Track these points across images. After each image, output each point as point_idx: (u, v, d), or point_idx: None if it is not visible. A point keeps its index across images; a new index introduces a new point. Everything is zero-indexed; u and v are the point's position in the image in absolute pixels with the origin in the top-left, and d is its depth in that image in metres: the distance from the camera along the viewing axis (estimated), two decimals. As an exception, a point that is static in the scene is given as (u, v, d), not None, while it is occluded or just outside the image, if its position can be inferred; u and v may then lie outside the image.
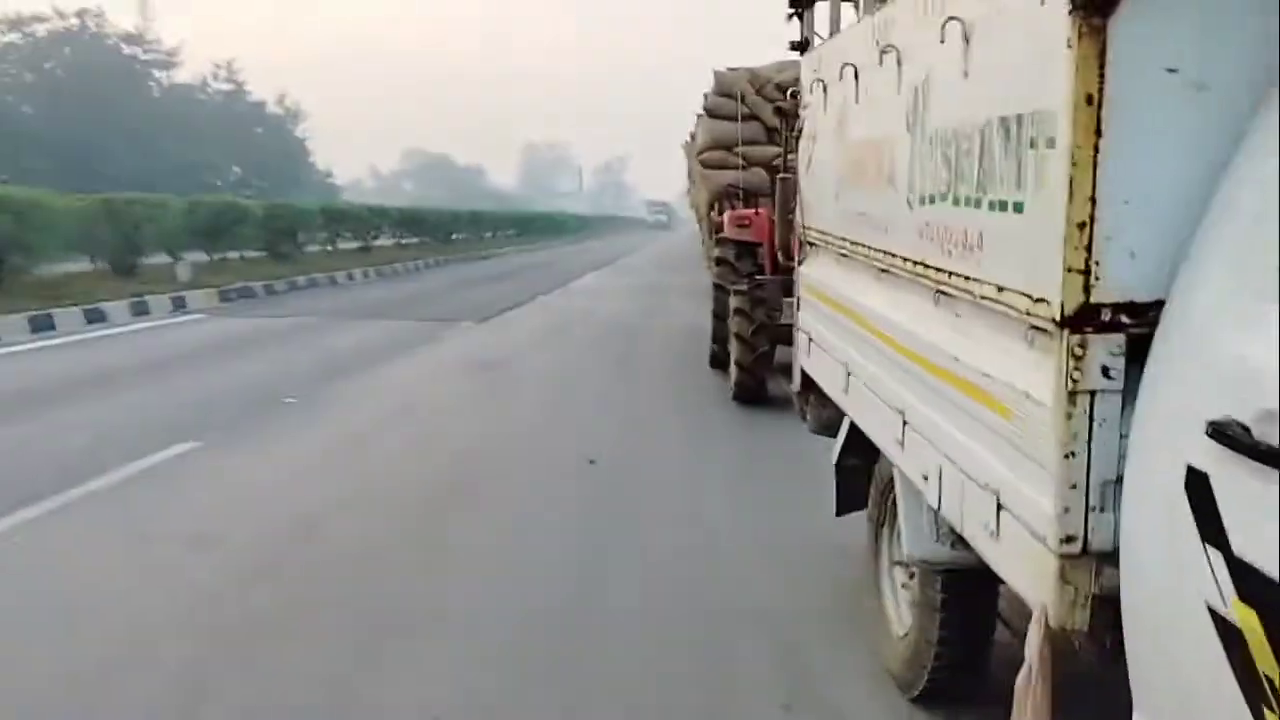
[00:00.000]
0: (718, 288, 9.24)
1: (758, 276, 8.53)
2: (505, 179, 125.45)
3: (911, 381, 2.71)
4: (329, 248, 24.82)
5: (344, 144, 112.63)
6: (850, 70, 3.32)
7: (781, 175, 9.94)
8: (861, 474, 3.59)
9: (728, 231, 9.34)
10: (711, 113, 11.40)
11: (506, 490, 5.53)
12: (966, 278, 2.30)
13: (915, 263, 2.65)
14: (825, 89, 3.85)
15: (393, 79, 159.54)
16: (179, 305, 14.58)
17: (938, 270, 2.48)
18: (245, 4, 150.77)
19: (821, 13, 4.58)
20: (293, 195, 39.90)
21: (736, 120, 11.20)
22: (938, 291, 2.51)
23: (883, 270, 3.07)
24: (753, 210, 9.56)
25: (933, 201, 2.49)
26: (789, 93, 11.22)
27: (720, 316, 9.23)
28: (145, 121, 43.94)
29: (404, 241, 30.78)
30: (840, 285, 3.59)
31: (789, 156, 11.15)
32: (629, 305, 16.44)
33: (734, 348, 8.08)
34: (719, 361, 9.48)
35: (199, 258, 18.67)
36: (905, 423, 2.75)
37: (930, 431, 2.54)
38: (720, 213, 11.01)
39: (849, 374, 3.43)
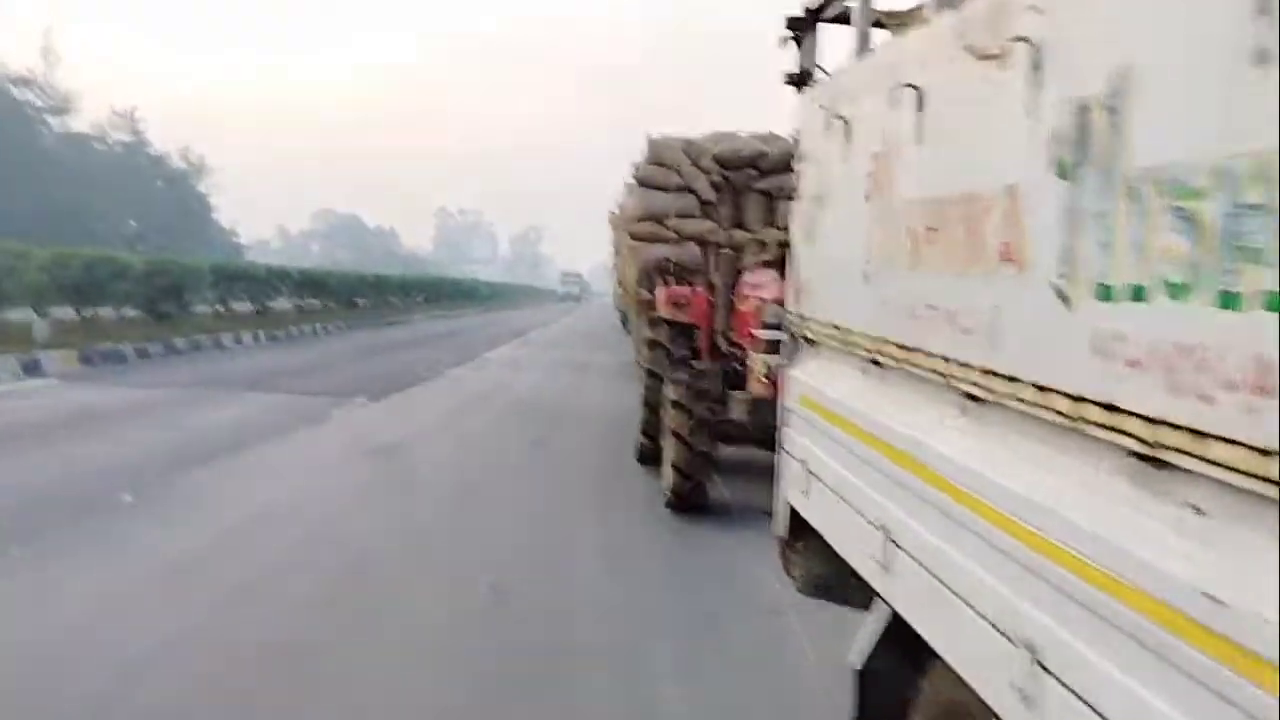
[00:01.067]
0: (650, 374, 8.12)
1: (696, 363, 7.45)
2: (420, 243, 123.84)
3: (1052, 597, 1.57)
4: (220, 309, 23.00)
5: (252, 203, 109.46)
6: (909, 95, 2.24)
7: (723, 250, 8.97)
8: (903, 686, 2.42)
9: (662, 311, 8.27)
10: (643, 182, 10.42)
11: (374, 653, 4.19)
12: (1233, 443, 1.18)
13: (1075, 399, 1.53)
14: (847, 129, 2.77)
15: (306, 139, 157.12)
16: (30, 369, 12.77)
17: (1149, 422, 1.35)
18: (158, 58, 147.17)
19: (818, 37, 3.51)
20: (192, 252, 37.77)
21: (669, 191, 10.26)
22: (1137, 457, 1.39)
23: (971, 398, 1.95)
24: (690, 288, 8.53)
25: (1140, 298, 1.38)
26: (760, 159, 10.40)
27: (652, 406, 8.09)
28: (33, 169, 41.31)
29: (305, 305, 29.04)
30: (875, 408, 2.46)
31: (732, 231, 10.25)
32: (545, 384, 15.21)
33: (669, 446, 6.91)
34: (649, 456, 8.32)
35: (69, 314, 16.81)
36: (1038, 661, 1.61)
37: (1093, 684, 1.41)
38: (651, 289, 9.97)
39: (891, 543, 2.28)
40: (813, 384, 3.08)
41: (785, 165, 10.54)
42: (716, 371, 7.30)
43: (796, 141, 3.50)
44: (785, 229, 10.44)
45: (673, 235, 10.18)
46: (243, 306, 25.02)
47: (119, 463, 7.52)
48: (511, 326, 32.32)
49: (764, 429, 5.84)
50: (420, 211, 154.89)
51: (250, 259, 52.10)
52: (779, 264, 8.57)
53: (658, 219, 10.29)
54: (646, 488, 7.60)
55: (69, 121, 47.01)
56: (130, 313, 19.33)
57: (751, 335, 6.71)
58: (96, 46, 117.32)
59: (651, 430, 8.16)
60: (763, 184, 10.45)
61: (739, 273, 7.94)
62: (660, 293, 8.45)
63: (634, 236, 10.29)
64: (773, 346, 6.27)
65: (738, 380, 7.23)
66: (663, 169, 10.39)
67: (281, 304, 28.11)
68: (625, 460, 8.56)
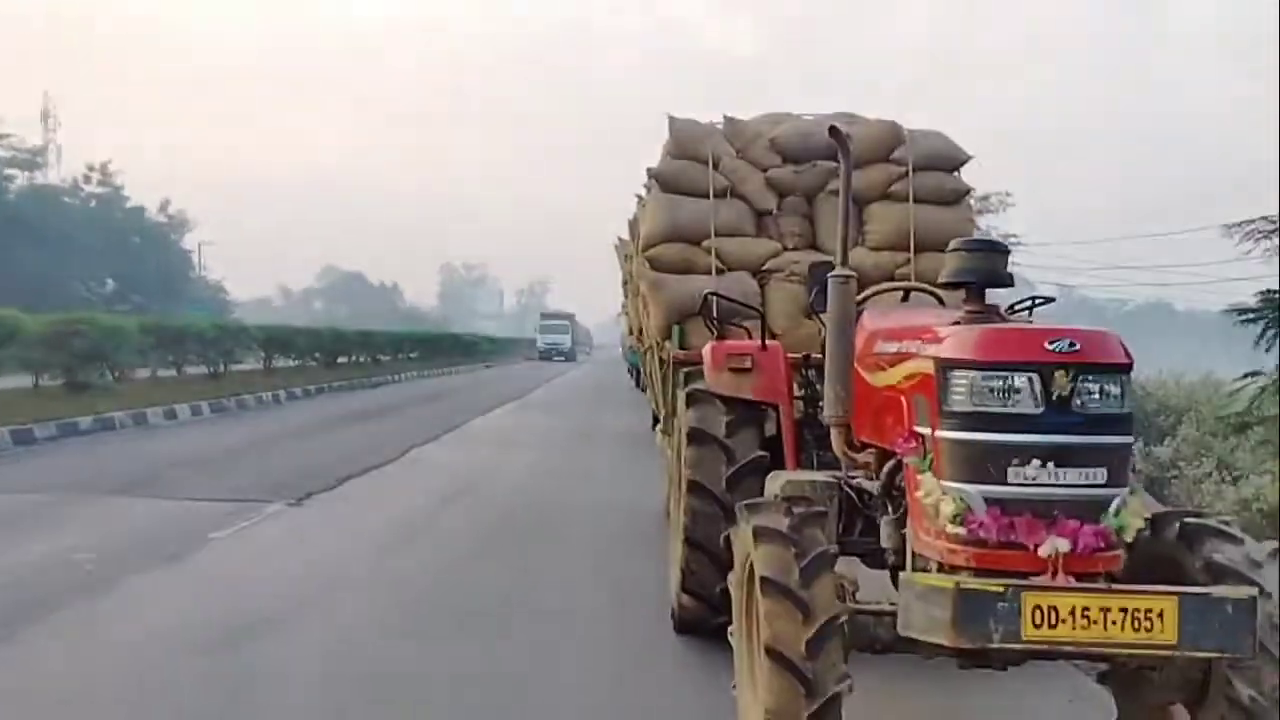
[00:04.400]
0: (696, 489, 4.69)
1: (784, 480, 4.02)
2: (425, 299, 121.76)
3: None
4: (163, 373, 19.76)
5: (254, 261, 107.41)
6: None
7: (820, 266, 5.37)
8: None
9: (711, 379, 4.90)
10: (667, 184, 7.06)
11: None
12: None
13: None
14: None
15: (309, 195, 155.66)
16: None
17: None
18: (156, 116, 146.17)
19: None
20: (174, 311, 34.71)
21: (708, 196, 6.96)
22: None
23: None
24: (754, 341, 5.18)
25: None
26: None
27: (701, 546, 4.66)
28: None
29: (275, 365, 25.78)
30: None
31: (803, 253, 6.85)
32: (541, 466, 11.76)
33: (752, 663, 3.40)
34: (691, 624, 4.90)
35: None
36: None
37: None
38: (684, 342, 6.63)
39: None
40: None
41: (878, 153, 7.26)
42: (832, 496, 3.89)
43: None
44: (885, 249, 7.08)
45: (714, 261, 6.86)
46: (196, 369, 21.81)
47: None
48: (510, 385, 28.94)
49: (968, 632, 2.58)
50: (425, 267, 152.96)
51: (238, 317, 49.25)
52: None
53: (689, 238, 6.96)
54: (695, 689, 4.17)
55: (36, 176, 44.30)
56: (31, 381, 16.08)
57: (913, 433, 3.27)
58: (98, 114, 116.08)
59: (701, 588, 4.71)
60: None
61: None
62: (708, 350, 5.05)
63: (655, 264, 6.92)
64: (975, 454, 2.93)
65: (866, 519, 3.84)
66: (695, 164, 7.05)
67: (248, 365, 24.94)
68: (657, 630, 5.11)
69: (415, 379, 31.84)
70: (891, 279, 6.81)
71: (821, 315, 4.42)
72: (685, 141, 7.10)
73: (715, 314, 5.76)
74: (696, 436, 4.73)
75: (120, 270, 47.92)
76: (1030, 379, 2.87)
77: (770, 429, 4.84)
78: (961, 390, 2.95)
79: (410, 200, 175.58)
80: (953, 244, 3.42)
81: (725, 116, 7.32)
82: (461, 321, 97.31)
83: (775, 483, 4.01)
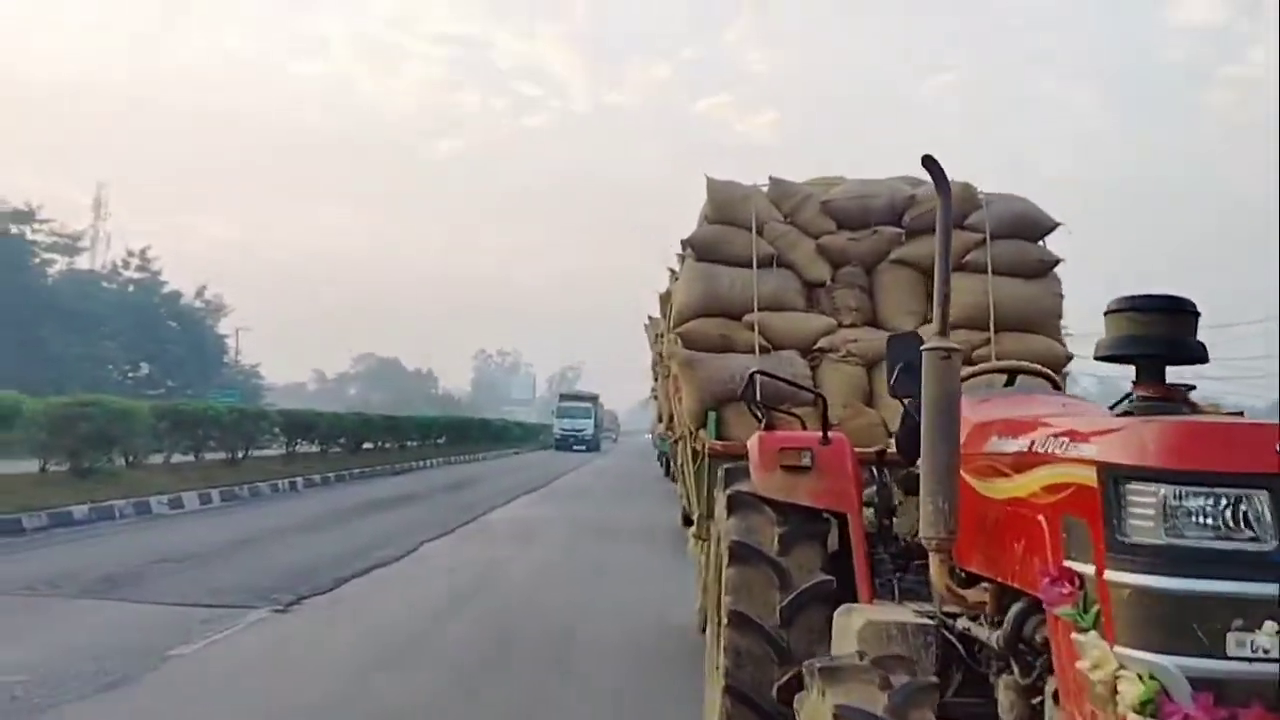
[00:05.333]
0: (740, 622, 3.69)
1: (890, 657, 2.96)
2: (459, 385, 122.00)
3: None
4: (178, 459, 19.03)
5: (289, 347, 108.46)
6: None
7: (902, 339, 3.85)
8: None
9: (759, 481, 3.93)
10: (704, 250, 6.24)
11: None
12: None
13: None
14: None
15: (347, 284, 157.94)
16: None
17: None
18: (193, 205, 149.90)
19: None
20: (205, 396, 34.34)
21: (751, 265, 6.11)
22: None
23: None
24: (812, 432, 4.22)
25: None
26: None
27: (747, 699, 3.63)
28: (33, 312, 38.49)
29: (298, 451, 25.03)
30: None
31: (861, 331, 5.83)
32: (561, 565, 10.74)
33: None
34: None
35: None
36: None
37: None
38: (722, 433, 5.73)
39: None
40: None
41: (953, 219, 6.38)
42: (928, 644, 2.89)
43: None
44: (961, 326, 5.98)
45: (756, 339, 5.98)
46: (214, 455, 21.09)
47: None
48: (536, 472, 27.97)
49: None
50: (460, 354, 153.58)
51: (270, 401, 49.01)
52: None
53: (729, 312, 6.09)
54: None
55: (75, 261, 44.77)
56: (57, 467, 15.37)
57: (1064, 570, 2.26)
58: (137, 200, 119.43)
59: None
60: (908, 251, 6.24)
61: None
62: (755, 443, 4.09)
63: (689, 341, 6.04)
64: (1175, 611, 1.93)
65: (970, 672, 2.84)
66: (736, 230, 6.22)
67: (271, 451, 24.23)
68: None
69: (440, 465, 30.97)
70: (968, 361, 5.88)
71: (906, 400, 3.48)
72: (724, 204, 6.28)
73: (760, 397, 4.80)
74: (741, 553, 3.74)
75: (154, 355, 47.99)
76: (1260, 500, 1.91)
77: (833, 543, 3.87)
78: (1147, 512, 1.97)
79: (445, 287, 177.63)
80: (1114, 303, 2.49)
81: (770, 178, 6.50)
82: (494, 408, 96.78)
83: (850, 623, 3.01)
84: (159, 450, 18.86)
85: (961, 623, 2.86)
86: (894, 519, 3.89)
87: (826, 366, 5.92)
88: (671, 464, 24.65)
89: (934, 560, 2.72)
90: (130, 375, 47.30)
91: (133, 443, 16.74)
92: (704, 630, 6.48)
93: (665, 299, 7.41)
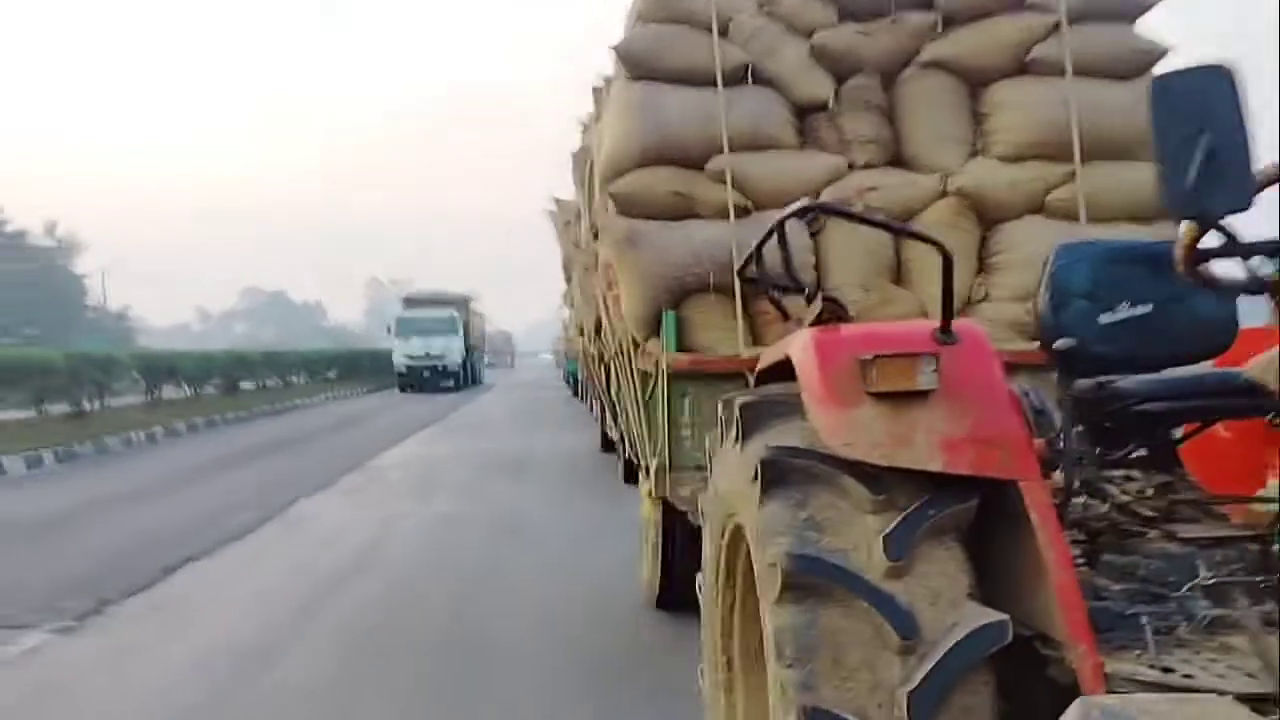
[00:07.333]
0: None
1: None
2: (351, 316, 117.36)
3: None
4: (6, 416, 16.23)
5: (166, 285, 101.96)
6: None
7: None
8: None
9: (826, 424, 1.85)
10: (642, 65, 4.12)
11: None
12: None
13: None
14: None
15: (233, 217, 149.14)
16: None
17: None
18: (68, 137, 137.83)
19: None
20: (68, 342, 30.69)
21: (714, 84, 4.01)
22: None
23: None
24: (921, 320, 2.20)
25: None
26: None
27: None
28: None
29: (163, 398, 22.26)
30: None
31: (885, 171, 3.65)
32: (467, 515, 8.75)
33: None
34: None
35: None
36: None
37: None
38: (684, 342, 3.74)
39: None
40: None
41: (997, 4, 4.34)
42: None
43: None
44: (1028, 157, 3.96)
45: (729, 196, 3.99)
46: (58, 408, 18.29)
47: None
48: (435, 405, 25.71)
49: None
50: (351, 284, 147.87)
51: (146, 344, 45.21)
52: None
53: (684, 157, 4.04)
54: None
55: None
56: None
57: None
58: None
59: None
60: (943, 48, 4.26)
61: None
62: (806, 346, 2.11)
63: (626, 206, 4.00)
64: None
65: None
66: (688, 31, 4.12)
67: (130, 400, 21.42)
68: None
69: (328, 402, 28.38)
70: (1041, 208, 4.01)
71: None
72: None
73: (771, 280, 2.79)
74: (808, 583, 1.78)
75: (2, 300, 43.36)
76: None
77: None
78: None
79: (330, 216, 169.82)
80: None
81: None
82: (390, 339, 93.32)
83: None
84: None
85: None
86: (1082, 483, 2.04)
87: (834, 231, 3.98)
88: (578, 381, 22.23)
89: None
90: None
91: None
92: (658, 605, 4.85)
93: (583, 157, 5.29)
